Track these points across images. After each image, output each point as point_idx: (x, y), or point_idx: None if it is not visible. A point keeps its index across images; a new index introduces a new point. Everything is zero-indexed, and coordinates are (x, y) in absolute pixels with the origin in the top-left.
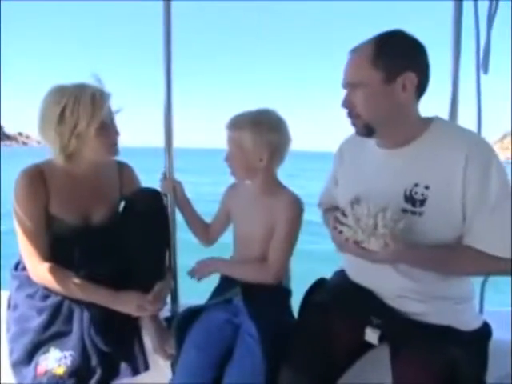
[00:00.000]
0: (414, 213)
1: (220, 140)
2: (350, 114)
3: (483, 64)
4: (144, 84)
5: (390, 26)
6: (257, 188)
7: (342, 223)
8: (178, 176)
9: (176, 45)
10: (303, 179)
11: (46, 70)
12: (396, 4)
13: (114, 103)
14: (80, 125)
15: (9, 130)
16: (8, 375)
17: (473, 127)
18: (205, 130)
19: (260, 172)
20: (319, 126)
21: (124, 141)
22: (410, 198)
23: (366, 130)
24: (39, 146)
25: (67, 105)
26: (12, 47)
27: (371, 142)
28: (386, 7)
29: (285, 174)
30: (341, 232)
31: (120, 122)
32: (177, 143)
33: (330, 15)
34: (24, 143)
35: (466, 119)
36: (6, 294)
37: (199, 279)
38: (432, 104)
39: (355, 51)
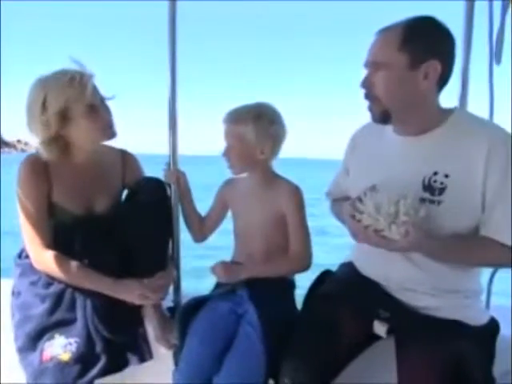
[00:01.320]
0: (432, 201)
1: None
2: (368, 96)
3: (496, 54)
4: (144, 90)
5: None
6: (256, 180)
7: (360, 211)
8: None
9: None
10: None
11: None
12: (399, 6)
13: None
14: (62, 107)
15: (7, 136)
16: (8, 375)
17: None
18: (207, 137)
19: (259, 164)
20: (335, 134)
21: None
22: (428, 187)
23: (382, 115)
24: None
25: (48, 92)
26: (12, 53)
27: (389, 130)
28: (394, 14)
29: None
30: (359, 220)
31: (122, 128)
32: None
33: (339, 22)
34: (23, 150)
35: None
36: (5, 284)
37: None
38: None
39: (383, 31)
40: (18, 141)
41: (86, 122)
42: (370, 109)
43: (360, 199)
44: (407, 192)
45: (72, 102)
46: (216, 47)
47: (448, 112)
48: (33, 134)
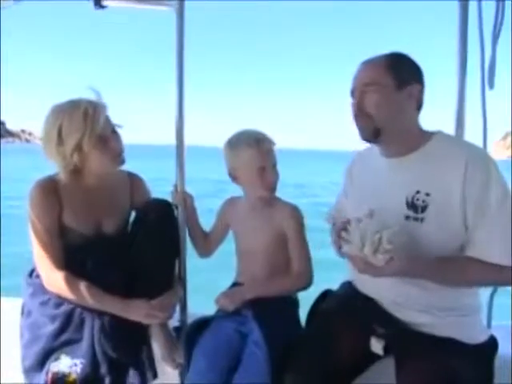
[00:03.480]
0: (416, 219)
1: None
2: (359, 115)
3: (489, 79)
4: (156, 84)
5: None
6: (256, 201)
7: (346, 240)
8: None
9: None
10: None
11: (50, 66)
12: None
13: (125, 104)
14: (77, 141)
15: (11, 126)
16: (8, 375)
17: (477, 139)
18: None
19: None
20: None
21: (140, 139)
22: (411, 205)
23: (373, 132)
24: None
25: (62, 124)
26: (16, 43)
27: (376, 153)
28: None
29: None
30: (343, 248)
31: (135, 120)
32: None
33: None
34: (27, 140)
35: (469, 129)
36: (9, 301)
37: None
38: (438, 118)
39: (368, 61)
40: (22, 130)
41: (97, 152)
42: (360, 127)
43: (346, 229)
44: (392, 222)
45: (85, 135)
46: (222, 40)
47: (430, 134)
48: (50, 159)
